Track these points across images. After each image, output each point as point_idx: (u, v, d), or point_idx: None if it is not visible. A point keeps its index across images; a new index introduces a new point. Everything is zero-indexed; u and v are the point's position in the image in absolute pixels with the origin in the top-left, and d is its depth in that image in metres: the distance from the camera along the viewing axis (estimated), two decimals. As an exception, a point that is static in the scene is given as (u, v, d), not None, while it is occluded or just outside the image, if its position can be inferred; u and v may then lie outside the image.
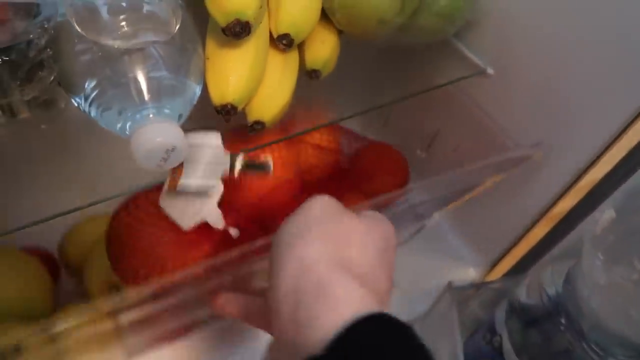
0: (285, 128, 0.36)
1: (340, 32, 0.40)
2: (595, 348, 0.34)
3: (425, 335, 0.51)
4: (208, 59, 0.32)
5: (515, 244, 0.52)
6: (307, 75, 0.38)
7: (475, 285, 0.47)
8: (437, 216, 0.57)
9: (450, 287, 0.45)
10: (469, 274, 0.56)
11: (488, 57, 0.47)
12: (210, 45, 0.32)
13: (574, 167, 0.42)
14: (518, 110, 0.46)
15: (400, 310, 0.50)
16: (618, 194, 0.30)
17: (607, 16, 0.36)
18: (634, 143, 0.38)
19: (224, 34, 0.30)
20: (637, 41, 0.35)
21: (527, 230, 0.49)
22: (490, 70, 0.47)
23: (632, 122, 0.37)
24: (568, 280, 0.35)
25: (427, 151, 0.57)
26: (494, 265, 0.55)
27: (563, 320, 0.35)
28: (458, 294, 0.45)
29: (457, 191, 0.42)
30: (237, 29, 0.30)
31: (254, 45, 0.32)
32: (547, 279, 0.38)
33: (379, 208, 0.32)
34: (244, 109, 0.34)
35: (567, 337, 0.35)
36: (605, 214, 0.30)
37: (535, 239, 0.49)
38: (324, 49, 0.38)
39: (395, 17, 0.38)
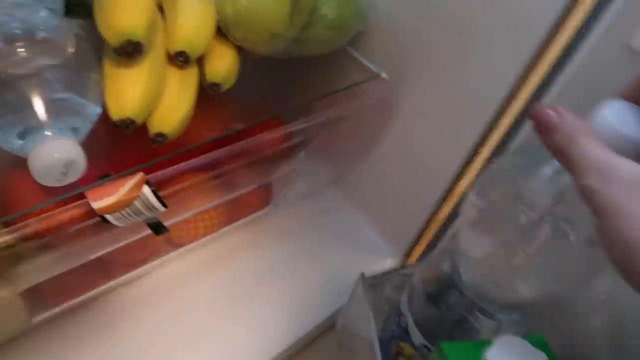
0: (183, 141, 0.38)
1: (239, 46, 0.43)
2: (480, 313, 0.38)
3: (348, 324, 0.54)
4: (105, 78, 0.34)
5: (423, 231, 0.56)
6: (208, 89, 0.40)
7: (385, 273, 0.51)
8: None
9: (362, 277, 0.48)
10: (387, 264, 0.60)
11: (382, 62, 0.51)
12: (107, 65, 0.34)
13: (462, 156, 0.47)
14: (411, 110, 0.51)
15: (325, 302, 0.54)
16: (479, 180, 0.34)
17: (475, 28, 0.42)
18: (502, 132, 0.44)
19: (117, 54, 0.32)
20: (499, 53, 0.40)
21: (432, 217, 0.54)
22: (384, 75, 0.51)
23: (498, 121, 0.43)
24: (453, 256, 0.40)
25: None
26: (408, 254, 0.60)
27: (454, 293, 0.40)
28: (371, 283, 0.49)
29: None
30: (129, 49, 0.32)
31: (149, 62, 0.34)
32: (440, 257, 0.42)
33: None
34: (145, 123, 0.36)
35: (459, 307, 0.40)
36: (469, 196, 0.34)
37: (438, 225, 0.54)
38: (222, 63, 0.41)
39: (287, 30, 0.41)
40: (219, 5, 0.39)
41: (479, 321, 0.39)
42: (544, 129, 0.23)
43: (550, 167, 0.30)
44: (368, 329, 0.47)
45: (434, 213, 0.54)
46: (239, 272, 0.54)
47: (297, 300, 0.54)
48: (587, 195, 0.21)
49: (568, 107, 0.23)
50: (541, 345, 0.35)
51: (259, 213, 0.56)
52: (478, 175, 0.47)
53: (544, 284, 0.34)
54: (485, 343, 0.34)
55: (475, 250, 0.36)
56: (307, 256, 0.58)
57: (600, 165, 0.21)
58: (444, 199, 0.52)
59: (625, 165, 0.21)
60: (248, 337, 0.50)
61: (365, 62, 0.52)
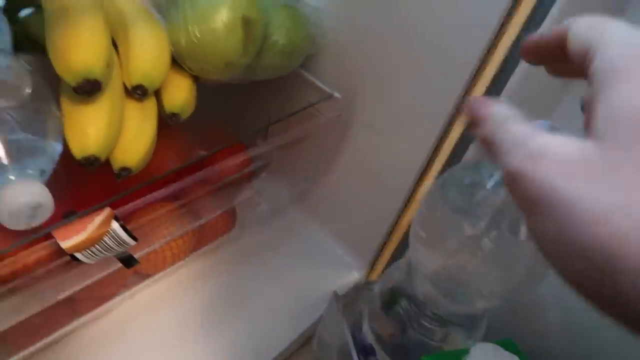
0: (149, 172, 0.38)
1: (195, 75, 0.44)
2: (432, 321, 0.40)
3: (325, 338, 0.55)
4: (65, 116, 0.34)
5: (385, 242, 0.58)
6: (168, 119, 0.41)
7: (356, 288, 0.53)
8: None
9: (335, 295, 0.49)
10: (353, 277, 0.61)
11: (334, 82, 0.53)
12: (65, 103, 0.34)
13: (417, 168, 0.50)
14: (365, 126, 0.53)
15: (297, 319, 0.55)
16: (425, 198, 0.36)
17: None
18: (454, 142, 0.46)
19: (76, 92, 0.32)
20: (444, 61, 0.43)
21: (393, 228, 0.56)
22: (337, 94, 0.53)
23: (449, 131, 0.45)
24: (408, 269, 0.41)
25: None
26: (372, 265, 0.62)
27: (404, 302, 0.41)
28: (343, 300, 0.50)
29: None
30: (88, 88, 0.32)
31: (109, 97, 0.35)
32: (394, 270, 0.43)
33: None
34: (108, 158, 0.36)
35: (411, 315, 0.41)
36: (417, 213, 0.36)
37: (400, 236, 0.56)
38: (179, 93, 0.41)
39: (241, 58, 0.43)
40: (172, 36, 0.40)
41: (431, 329, 0.41)
42: (475, 121, 0.21)
43: (493, 180, 0.32)
44: (345, 345, 0.48)
45: (395, 224, 0.56)
46: (209, 296, 0.54)
47: (268, 319, 0.55)
48: (514, 183, 0.17)
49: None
50: (512, 348, 0.38)
51: (224, 237, 0.56)
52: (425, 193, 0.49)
53: (494, 293, 0.36)
54: (463, 352, 0.36)
55: (425, 266, 0.38)
56: (276, 275, 0.59)
57: (528, 143, 0.17)
58: (403, 210, 0.54)
59: (557, 140, 0.17)
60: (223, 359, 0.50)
61: (318, 83, 0.54)
